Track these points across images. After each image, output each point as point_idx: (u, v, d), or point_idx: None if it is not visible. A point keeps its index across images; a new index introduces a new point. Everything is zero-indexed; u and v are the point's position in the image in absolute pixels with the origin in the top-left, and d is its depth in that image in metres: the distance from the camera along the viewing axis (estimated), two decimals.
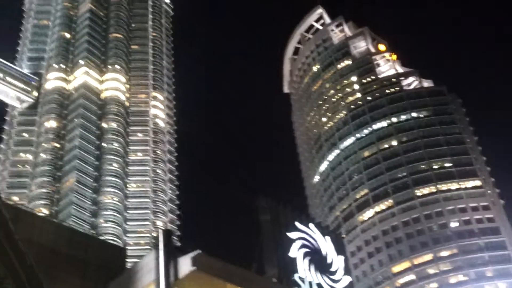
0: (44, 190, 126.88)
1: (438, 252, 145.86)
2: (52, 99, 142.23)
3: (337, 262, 64.96)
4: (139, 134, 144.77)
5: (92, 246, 52.63)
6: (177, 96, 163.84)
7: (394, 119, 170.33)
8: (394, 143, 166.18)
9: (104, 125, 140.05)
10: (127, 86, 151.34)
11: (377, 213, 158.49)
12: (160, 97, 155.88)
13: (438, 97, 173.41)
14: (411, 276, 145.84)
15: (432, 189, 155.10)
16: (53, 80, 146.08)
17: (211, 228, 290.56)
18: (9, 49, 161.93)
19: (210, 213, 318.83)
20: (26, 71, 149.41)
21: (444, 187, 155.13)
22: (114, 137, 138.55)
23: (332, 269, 63.97)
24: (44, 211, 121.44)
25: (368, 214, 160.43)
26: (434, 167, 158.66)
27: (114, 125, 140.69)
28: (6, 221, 25.21)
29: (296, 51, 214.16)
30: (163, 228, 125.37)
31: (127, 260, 57.73)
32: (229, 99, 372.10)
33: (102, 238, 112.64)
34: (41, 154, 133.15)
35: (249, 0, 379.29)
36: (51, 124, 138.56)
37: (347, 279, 64.81)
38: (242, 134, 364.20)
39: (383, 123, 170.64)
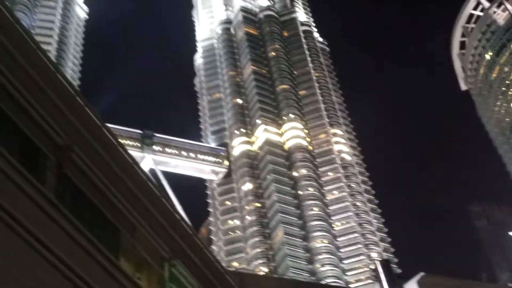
0: (258, 250, 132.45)
1: None
2: (242, 163, 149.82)
3: None
4: (329, 173, 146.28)
5: None
6: (355, 126, 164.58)
7: None
8: None
9: (295, 173, 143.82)
10: (306, 131, 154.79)
11: None
12: (339, 132, 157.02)
13: None
14: None
15: None
16: (238, 146, 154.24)
17: (424, 245, 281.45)
18: (194, 129, 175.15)
19: (419, 231, 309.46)
20: (213, 144, 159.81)
21: None
22: (308, 182, 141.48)
23: None
24: (264, 270, 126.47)
25: None
26: None
27: (304, 171, 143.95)
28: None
29: (463, 45, 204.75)
30: (379, 259, 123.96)
31: None
32: (408, 112, 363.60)
33: (324, 282, 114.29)
34: (247, 217, 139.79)
35: (399, 7, 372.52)
36: (248, 186, 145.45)
37: None
38: (431, 143, 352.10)
39: None
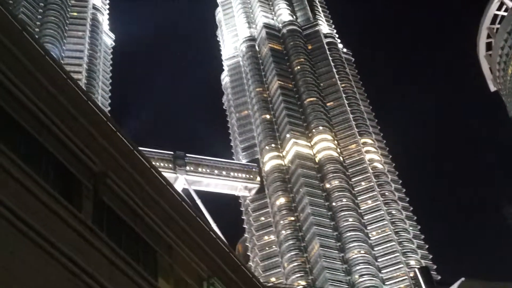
0: (295, 264, 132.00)
1: None
2: (274, 178, 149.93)
3: None
4: (362, 183, 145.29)
5: None
6: (384, 133, 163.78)
7: None
8: None
9: (327, 185, 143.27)
10: (336, 142, 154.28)
11: None
12: (369, 141, 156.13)
13: None
14: None
15: None
16: (269, 161, 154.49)
17: (462, 249, 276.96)
18: (224, 147, 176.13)
19: (456, 235, 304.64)
20: (244, 161, 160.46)
21: None
22: (341, 193, 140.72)
23: None
24: (302, 283, 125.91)
25: None
26: None
27: (336, 182, 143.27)
28: None
29: (489, 47, 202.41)
30: (418, 266, 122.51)
31: None
32: (437, 116, 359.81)
33: None
34: (282, 231, 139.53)
35: (422, 13, 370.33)
36: (281, 201, 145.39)
37: None
38: (463, 146, 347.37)
39: None
